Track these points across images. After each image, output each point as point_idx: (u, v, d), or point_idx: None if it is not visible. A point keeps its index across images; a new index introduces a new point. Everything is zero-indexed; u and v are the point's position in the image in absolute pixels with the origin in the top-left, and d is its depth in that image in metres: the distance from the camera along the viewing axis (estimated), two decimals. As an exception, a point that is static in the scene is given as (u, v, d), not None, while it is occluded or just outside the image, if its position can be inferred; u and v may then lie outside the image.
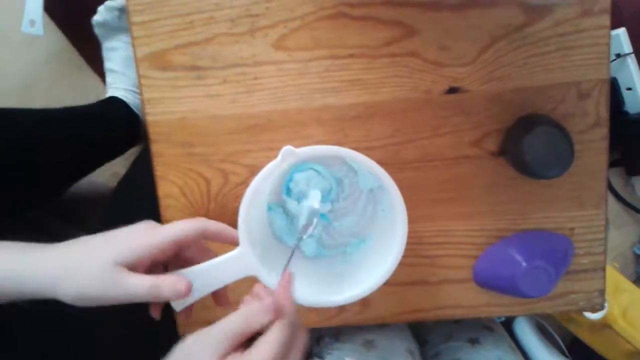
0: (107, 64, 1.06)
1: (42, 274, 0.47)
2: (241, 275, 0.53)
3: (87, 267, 0.47)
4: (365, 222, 0.62)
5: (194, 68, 0.63)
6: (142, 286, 0.47)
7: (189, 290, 0.49)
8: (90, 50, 1.14)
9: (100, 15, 1.02)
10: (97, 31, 1.04)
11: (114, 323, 0.70)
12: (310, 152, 0.52)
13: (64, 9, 1.14)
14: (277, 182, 0.60)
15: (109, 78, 1.06)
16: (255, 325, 0.44)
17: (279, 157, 0.51)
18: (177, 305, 0.54)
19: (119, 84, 1.04)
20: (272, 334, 0.43)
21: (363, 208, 0.62)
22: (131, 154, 1.04)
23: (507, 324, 1.23)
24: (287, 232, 0.61)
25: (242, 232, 0.52)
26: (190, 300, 0.53)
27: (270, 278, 0.53)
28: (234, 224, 0.53)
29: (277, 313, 0.45)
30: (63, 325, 0.68)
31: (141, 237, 0.48)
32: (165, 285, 0.48)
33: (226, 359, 0.42)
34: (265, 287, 0.51)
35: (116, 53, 1.04)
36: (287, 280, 0.49)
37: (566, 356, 1.13)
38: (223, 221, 0.54)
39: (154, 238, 0.48)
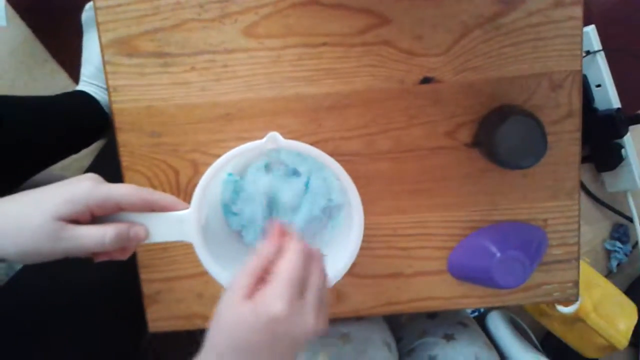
0: (85, 54, 1.04)
1: None
2: (176, 237, 0.51)
3: (27, 224, 0.45)
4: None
5: (161, 55, 0.61)
6: (89, 237, 0.45)
7: (146, 233, 0.49)
8: (55, 43, 1.11)
9: (90, 6, 1.00)
10: (84, 19, 1.02)
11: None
12: (292, 145, 0.52)
13: (27, 0, 1.10)
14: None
15: (83, 69, 1.04)
16: (267, 255, 0.45)
17: (265, 139, 0.51)
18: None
19: (92, 78, 1.02)
20: (316, 277, 0.44)
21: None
22: (98, 149, 1.01)
23: (480, 319, 1.24)
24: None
25: (197, 196, 0.51)
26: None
27: (204, 252, 0.52)
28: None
29: (281, 238, 0.46)
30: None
31: (81, 190, 0.46)
32: (121, 230, 0.47)
33: (253, 294, 0.42)
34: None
35: (96, 46, 1.01)
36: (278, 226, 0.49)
37: (539, 350, 1.14)
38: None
39: (95, 192, 0.46)
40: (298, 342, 0.42)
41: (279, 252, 0.45)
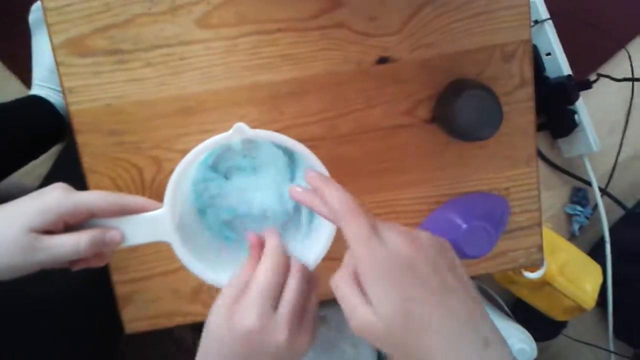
0: (35, 57, 1.01)
1: None
2: (152, 238, 0.50)
3: (0, 239, 0.44)
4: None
5: (114, 52, 0.60)
6: (63, 245, 0.45)
7: (122, 236, 0.48)
8: (3, 47, 1.07)
9: (37, 7, 0.96)
10: (31, 21, 0.98)
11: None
12: (259, 134, 0.52)
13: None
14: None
15: (35, 72, 1.01)
16: (248, 267, 0.46)
17: (231, 131, 0.50)
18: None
19: (45, 81, 0.99)
20: (291, 287, 0.44)
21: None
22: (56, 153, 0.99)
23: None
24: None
25: (169, 194, 0.51)
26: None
27: (182, 250, 0.51)
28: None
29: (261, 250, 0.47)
30: None
31: (52, 200, 0.45)
32: (94, 235, 0.46)
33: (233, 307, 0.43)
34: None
35: (47, 47, 0.99)
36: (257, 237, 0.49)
37: (510, 317, 1.17)
38: (159, 209, 0.52)
39: (65, 201, 0.45)
40: (275, 356, 0.42)
41: (257, 263, 0.46)
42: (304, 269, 0.47)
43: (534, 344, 1.03)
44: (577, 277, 1.10)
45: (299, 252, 0.53)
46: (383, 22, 0.63)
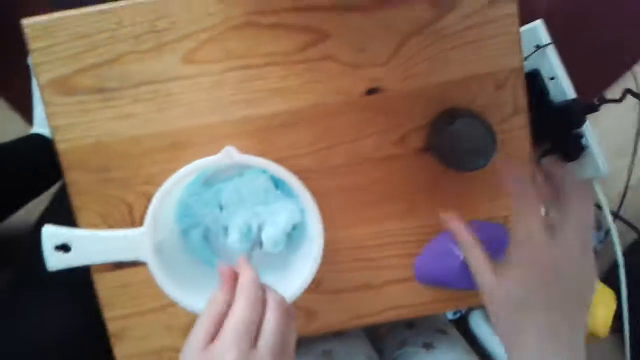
0: (35, 97, 1.03)
1: None
2: (131, 256, 0.51)
3: None
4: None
5: (101, 90, 0.61)
6: None
7: None
8: (6, 88, 1.09)
9: None
10: (31, 62, 1.00)
11: None
12: (247, 160, 0.53)
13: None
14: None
15: (35, 111, 1.03)
16: (220, 301, 0.44)
17: (220, 154, 0.51)
18: (51, 264, 0.52)
19: (45, 120, 1.00)
20: (270, 322, 0.43)
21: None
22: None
23: (463, 320, 1.24)
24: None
25: (151, 211, 0.51)
26: (67, 263, 0.52)
27: (158, 272, 0.52)
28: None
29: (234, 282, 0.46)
30: None
31: None
32: None
33: (208, 345, 0.41)
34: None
35: None
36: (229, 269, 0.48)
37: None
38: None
39: None
40: None
41: (231, 297, 0.44)
42: (282, 301, 0.45)
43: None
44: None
45: (275, 283, 0.52)
46: (371, 52, 0.63)
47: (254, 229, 0.60)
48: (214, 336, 0.42)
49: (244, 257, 0.49)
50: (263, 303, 0.44)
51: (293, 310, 0.46)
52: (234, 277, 0.46)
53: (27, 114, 1.10)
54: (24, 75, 1.04)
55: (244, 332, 0.41)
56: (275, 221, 0.60)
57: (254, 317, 0.42)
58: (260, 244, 0.58)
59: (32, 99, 1.03)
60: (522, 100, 0.65)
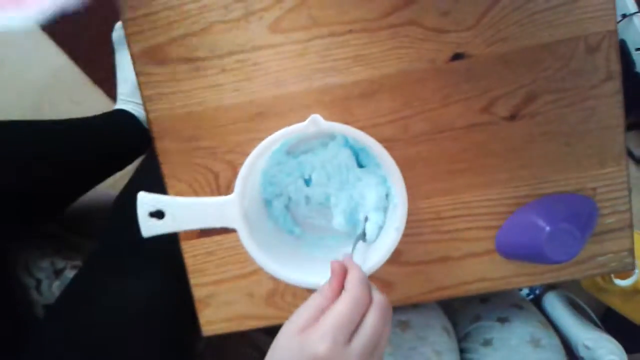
0: (119, 74, 1.07)
1: None
2: (222, 223, 0.52)
3: None
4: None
5: (191, 60, 0.62)
6: None
7: None
8: (92, 66, 1.14)
9: (120, 25, 1.03)
10: (115, 39, 1.04)
11: None
12: (334, 127, 0.53)
13: (62, 27, 1.14)
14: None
15: (119, 88, 1.06)
16: (326, 295, 0.46)
17: (307, 122, 0.51)
18: (145, 230, 0.53)
19: (129, 96, 1.04)
20: (368, 323, 0.44)
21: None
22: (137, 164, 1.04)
23: (537, 301, 1.21)
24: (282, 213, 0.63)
25: (241, 178, 0.52)
26: (162, 229, 0.53)
27: (248, 238, 0.52)
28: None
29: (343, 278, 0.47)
30: None
31: None
32: None
33: (306, 330, 0.43)
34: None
35: (129, 64, 1.05)
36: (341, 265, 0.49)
37: (600, 327, 1.10)
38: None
39: None
40: None
41: (338, 293, 0.46)
42: (385, 302, 0.46)
43: (625, 356, 0.97)
44: (672, 285, 1.02)
45: (356, 252, 0.54)
46: (456, 17, 0.61)
47: (361, 218, 0.60)
48: (310, 323, 0.44)
49: (349, 257, 0.51)
50: (367, 303, 0.45)
51: (391, 313, 0.48)
52: (344, 274, 0.48)
53: (111, 91, 1.14)
54: (108, 54, 1.08)
55: (343, 326, 0.43)
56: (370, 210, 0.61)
57: (354, 315, 0.44)
58: (364, 235, 0.58)
59: (115, 75, 1.07)
60: (616, 65, 0.61)
